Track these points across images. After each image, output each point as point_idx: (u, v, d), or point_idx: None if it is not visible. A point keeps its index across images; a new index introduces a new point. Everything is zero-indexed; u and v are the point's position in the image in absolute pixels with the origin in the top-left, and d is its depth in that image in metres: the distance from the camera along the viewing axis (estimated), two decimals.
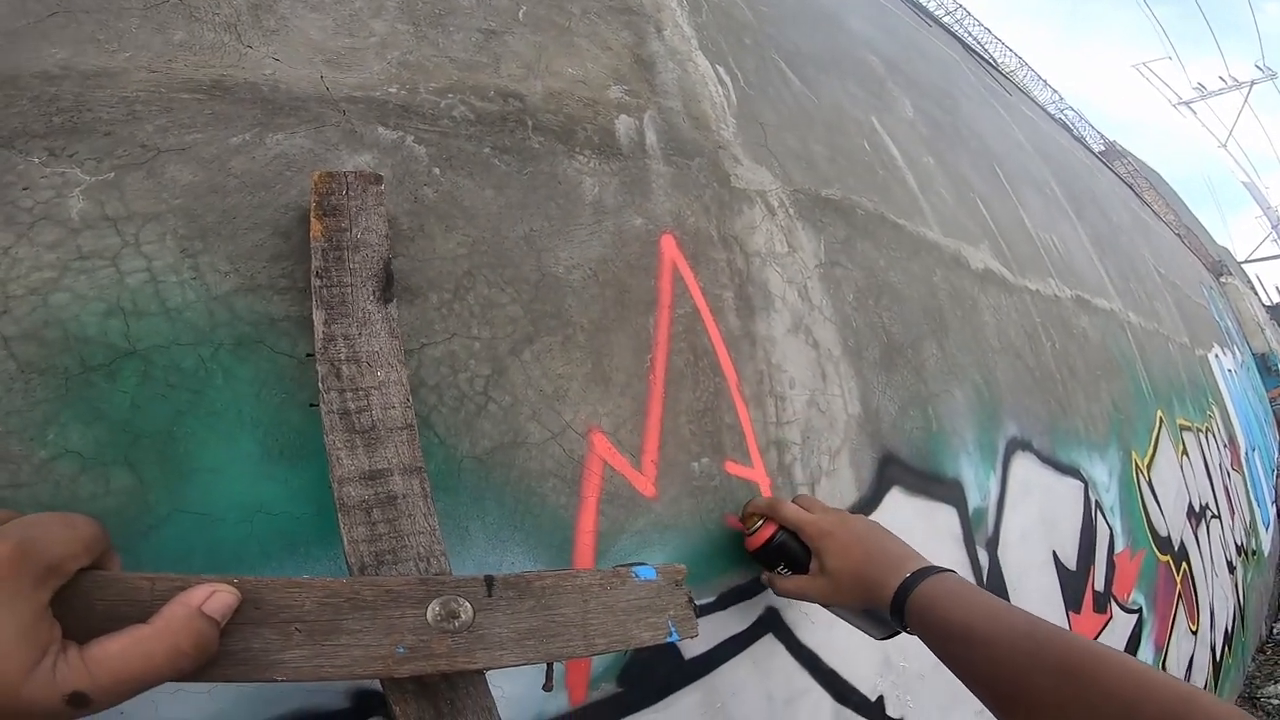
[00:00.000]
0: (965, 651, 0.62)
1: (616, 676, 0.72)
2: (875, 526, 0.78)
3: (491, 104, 0.89)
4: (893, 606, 0.69)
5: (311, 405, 0.54)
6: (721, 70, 1.35)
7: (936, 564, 0.72)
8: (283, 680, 0.39)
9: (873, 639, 0.80)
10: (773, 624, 0.89)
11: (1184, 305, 4.47)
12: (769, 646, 0.89)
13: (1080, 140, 5.24)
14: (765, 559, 0.82)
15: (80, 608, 0.35)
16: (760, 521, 0.81)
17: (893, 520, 1.07)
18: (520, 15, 1.08)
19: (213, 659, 0.37)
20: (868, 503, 1.05)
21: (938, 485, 1.21)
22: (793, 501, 0.81)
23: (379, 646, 0.41)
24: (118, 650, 0.34)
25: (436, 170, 0.77)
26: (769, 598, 0.89)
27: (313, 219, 0.59)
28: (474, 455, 0.66)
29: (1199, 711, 0.46)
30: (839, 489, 1.01)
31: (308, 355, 0.57)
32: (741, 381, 0.92)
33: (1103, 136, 6.52)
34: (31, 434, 0.49)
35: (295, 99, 0.73)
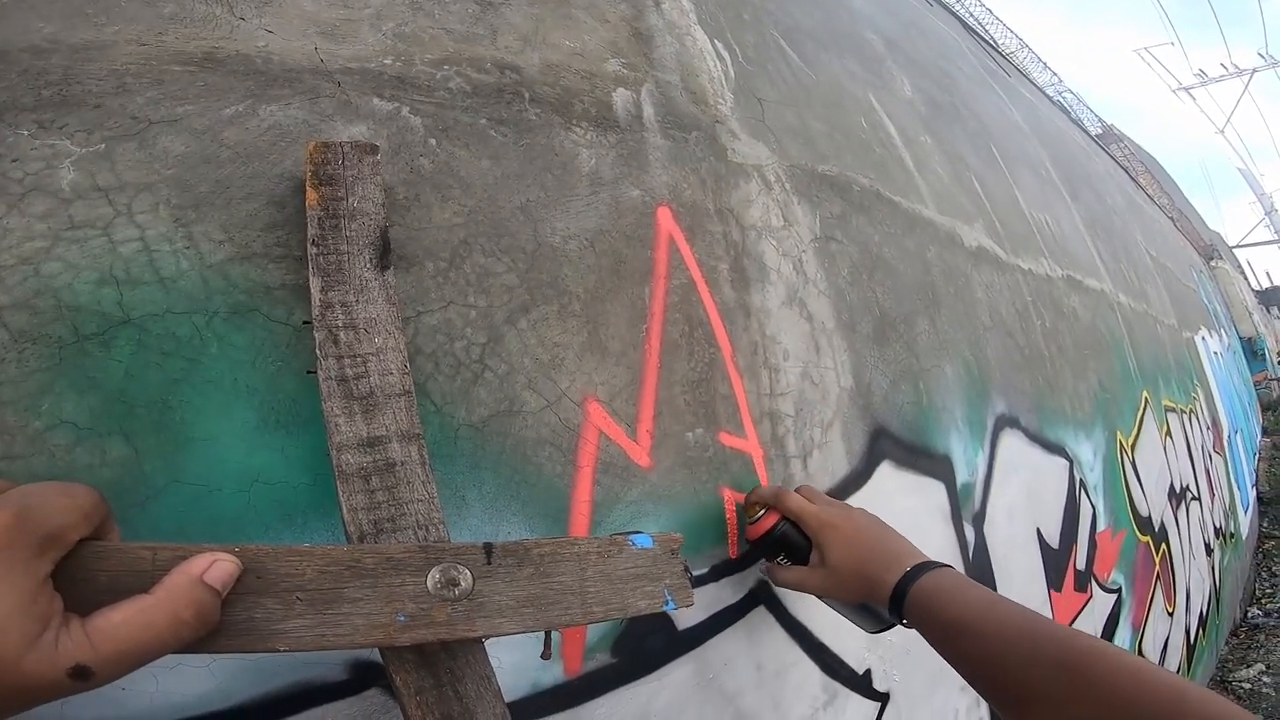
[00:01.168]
0: (963, 646, 0.63)
1: (610, 647, 0.73)
2: (876, 521, 0.79)
3: (488, 76, 0.88)
4: (892, 601, 0.70)
5: (309, 372, 0.54)
6: (720, 45, 1.34)
7: (934, 559, 0.73)
8: (284, 650, 0.39)
9: (865, 632, 0.81)
10: (764, 596, 0.90)
11: (1174, 288, 4.49)
12: (760, 618, 0.90)
13: (1078, 123, 5.22)
14: (765, 549, 0.82)
15: (81, 579, 0.34)
16: (763, 511, 0.81)
17: (881, 493, 1.08)
18: None
19: (214, 629, 0.37)
20: (859, 475, 1.06)
21: (927, 460, 1.22)
22: (795, 492, 0.82)
23: (380, 615, 0.42)
24: (120, 621, 0.33)
25: (433, 141, 0.77)
26: (760, 570, 0.90)
27: (308, 188, 0.58)
28: (470, 423, 0.66)
29: (1193, 706, 0.47)
30: (830, 461, 1.02)
31: (304, 323, 0.56)
32: (736, 353, 0.92)
33: (1100, 120, 6.50)
34: (26, 404, 0.49)
35: (289, 70, 0.72)
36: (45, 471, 0.49)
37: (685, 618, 0.80)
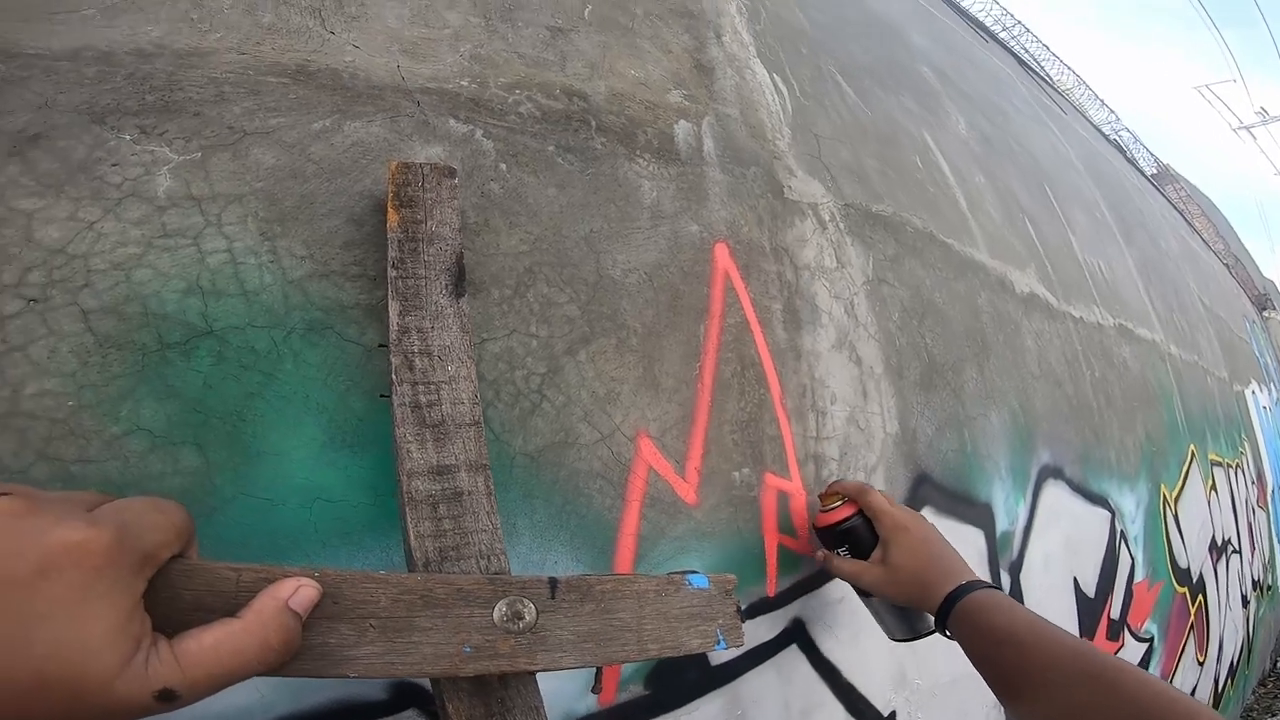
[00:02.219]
0: (1005, 655, 0.67)
1: (645, 679, 0.73)
2: (941, 535, 0.82)
3: (557, 102, 0.89)
4: (941, 608, 0.74)
5: (382, 396, 0.54)
6: (778, 79, 1.35)
7: (987, 580, 0.76)
8: (354, 676, 0.39)
9: (891, 638, 0.84)
10: (797, 635, 0.90)
11: (1225, 338, 4.38)
12: (792, 657, 0.89)
13: (1133, 162, 5.13)
14: (830, 538, 0.84)
15: (166, 597, 0.34)
16: (839, 502, 0.83)
17: None
18: (586, 14, 1.08)
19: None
20: None
21: (968, 507, 1.21)
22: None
23: (447, 645, 0.42)
24: (210, 645, 0.33)
25: (503, 166, 0.78)
26: (796, 609, 0.89)
27: (390, 209, 0.59)
28: (526, 453, 0.66)
29: None
30: None
31: (379, 345, 0.57)
32: (785, 394, 0.92)
33: (1156, 159, 6.38)
34: (105, 409, 0.50)
35: (373, 87, 0.73)
36: (118, 477, 0.49)
37: (720, 653, 0.80)
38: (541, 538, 0.66)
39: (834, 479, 0.95)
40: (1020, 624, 0.67)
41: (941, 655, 1.10)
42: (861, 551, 0.81)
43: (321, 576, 0.39)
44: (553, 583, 0.47)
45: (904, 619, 0.82)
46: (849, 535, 0.82)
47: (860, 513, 0.82)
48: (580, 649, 0.47)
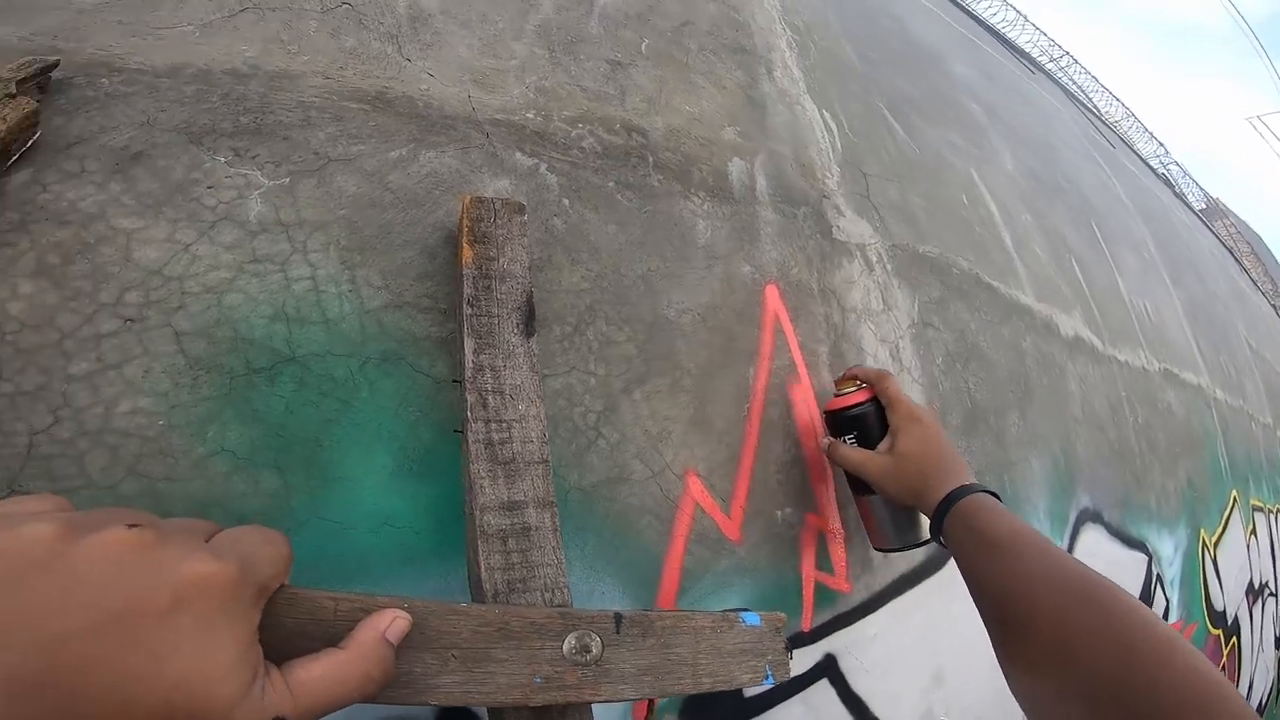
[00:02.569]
0: (991, 560, 0.65)
1: (679, 710, 0.73)
2: (948, 439, 0.80)
3: (617, 137, 0.91)
4: (939, 509, 0.71)
5: (456, 431, 0.56)
6: (827, 115, 1.36)
7: (989, 487, 0.74)
8: (435, 705, 0.40)
9: (879, 548, 0.83)
10: (828, 670, 0.90)
11: (1271, 382, 4.31)
12: (822, 691, 0.89)
13: (1181, 197, 5.07)
14: (839, 424, 0.83)
15: (270, 625, 0.35)
16: (856, 387, 0.82)
17: (954, 579, 1.06)
18: (643, 48, 1.10)
19: None
20: (935, 562, 1.05)
21: None
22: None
23: (520, 675, 0.43)
24: (319, 675, 0.34)
25: (566, 201, 0.79)
26: (828, 644, 0.90)
27: (464, 244, 0.61)
28: (580, 487, 0.67)
29: (1180, 654, 0.50)
30: None
31: (454, 381, 0.59)
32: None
33: (1205, 194, 6.31)
34: (193, 430, 0.52)
35: (446, 117, 0.75)
36: (201, 496, 0.51)
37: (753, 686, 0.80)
38: (591, 569, 0.67)
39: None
40: (1020, 532, 0.65)
41: (970, 693, 1.10)
42: (868, 442, 0.80)
43: (410, 607, 0.40)
44: (618, 618, 0.48)
45: (896, 527, 0.80)
46: (859, 421, 0.81)
47: (874, 401, 0.81)
48: (640, 681, 0.48)
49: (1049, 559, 0.61)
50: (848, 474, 0.84)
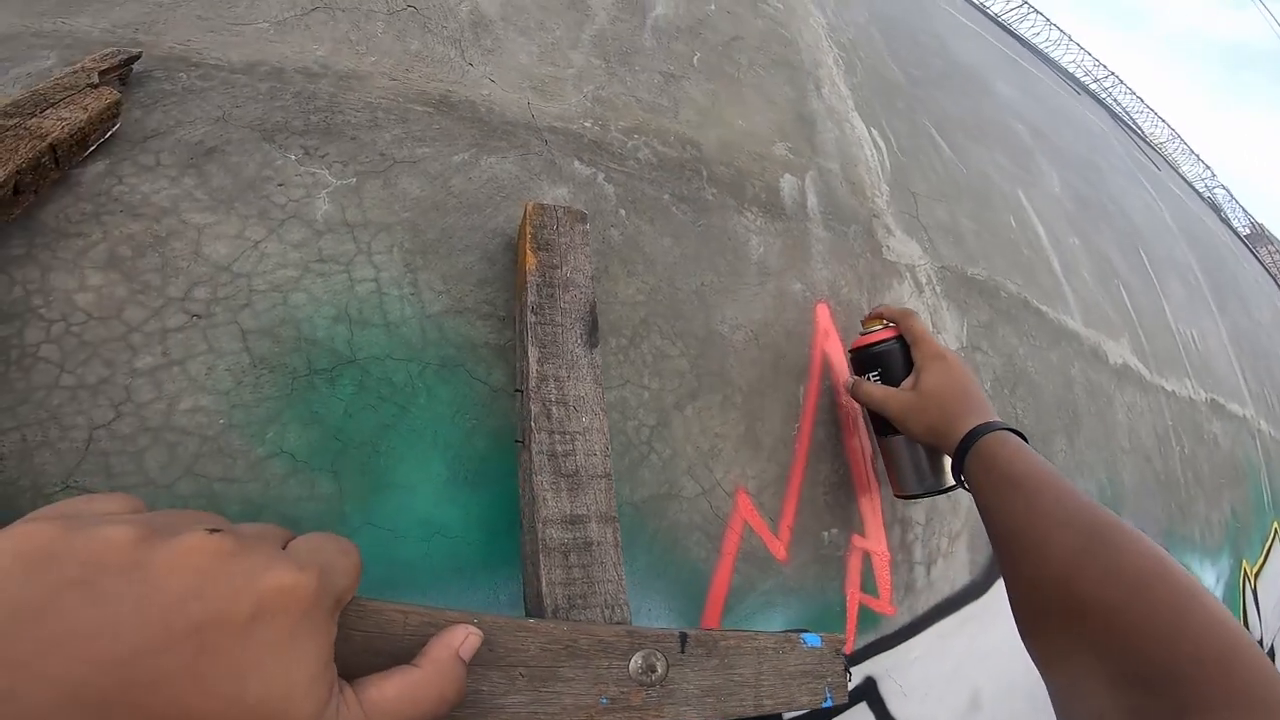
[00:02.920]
0: (1010, 499, 0.61)
1: None
2: (975, 378, 0.77)
3: (672, 149, 0.90)
4: (961, 443, 0.69)
5: (517, 441, 0.55)
6: (875, 133, 1.34)
7: (1012, 425, 0.71)
8: None
9: (901, 493, 0.80)
10: (868, 694, 0.88)
11: None
12: (861, 715, 0.87)
13: (1227, 222, 4.96)
14: (864, 361, 0.81)
15: (340, 638, 0.33)
16: (881, 325, 0.81)
17: (996, 604, 1.04)
18: (695, 61, 1.10)
19: None
20: (978, 587, 1.02)
21: None
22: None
23: (586, 695, 0.41)
24: (394, 694, 0.32)
25: (623, 212, 0.78)
26: (869, 667, 0.87)
27: (528, 251, 0.60)
28: (632, 502, 0.66)
29: (1200, 603, 0.46)
30: (952, 570, 0.98)
31: (516, 390, 0.57)
32: (876, 459, 0.90)
33: (1251, 219, 6.19)
34: (253, 430, 0.51)
35: (507, 123, 0.75)
36: (258, 498, 0.50)
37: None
38: (640, 585, 0.65)
39: (918, 541, 0.93)
40: (1036, 470, 0.61)
41: (1008, 719, 1.07)
42: (891, 378, 0.79)
43: (480, 622, 0.39)
44: (683, 637, 0.47)
45: (918, 472, 0.78)
46: (883, 359, 0.79)
47: (899, 339, 0.80)
48: (703, 703, 0.47)
49: (1064, 497, 0.57)
50: (870, 414, 0.83)
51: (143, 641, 0.25)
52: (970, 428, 0.69)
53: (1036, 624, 0.55)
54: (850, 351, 0.84)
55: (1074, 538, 0.53)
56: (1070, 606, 0.51)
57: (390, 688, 0.32)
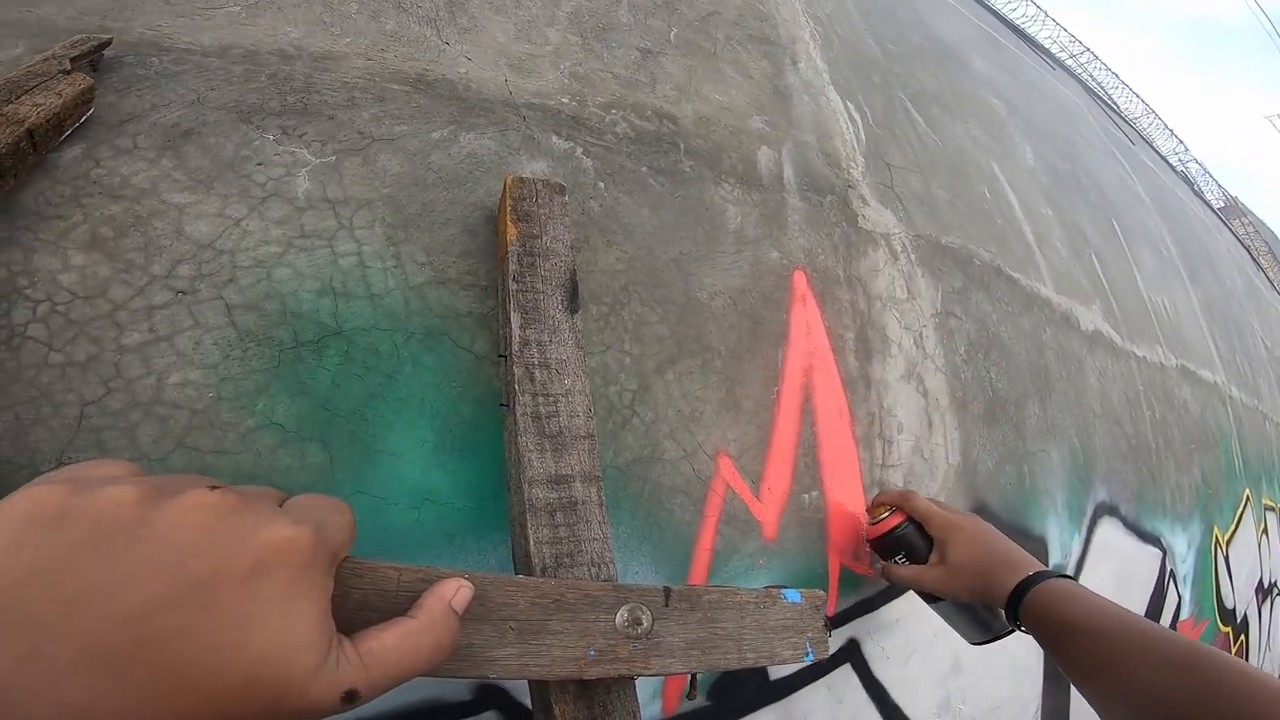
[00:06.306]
0: (1081, 644, 0.65)
1: (707, 690, 0.74)
2: (996, 530, 0.81)
3: (649, 123, 0.91)
4: (1010, 601, 0.72)
5: (501, 405, 0.56)
6: (851, 106, 1.36)
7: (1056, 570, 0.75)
8: (494, 678, 0.40)
9: (971, 643, 0.83)
10: (851, 655, 0.91)
11: None
12: (844, 676, 0.90)
13: (1200, 195, 5.02)
14: (884, 548, 0.84)
15: (337, 596, 0.34)
16: (888, 511, 0.83)
17: None
18: (671, 37, 1.10)
19: None
20: None
21: (1023, 541, 1.20)
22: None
23: (574, 648, 0.43)
24: (391, 645, 0.33)
25: (601, 184, 0.80)
26: (852, 629, 0.90)
27: (508, 222, 0.61)
28: (616, 465, 0.68)
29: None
30: None
31: (500, 356, 0.59)
32: (854, 422, 0.93)
33: (1225, 192, 6.25)
34: (243, 402, 0.52)
35: (485, 100, 0.76)
36: (249, 469, 0.52)
37: (778, 668, 0.81)
38: (625, 548, 0.67)
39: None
40: (1094, 612, 0.66)
41: (987, 683, 1.10)
42: (917, 557, 0.81)
43: (471, 578, 0.40)
44: (667, 591, 0.49)
45: (977, 621, 0.81)
46: (902, 542, 0.82)
47: (909, 519, 0.82)
48: (688, 655, 0.49)
49: (1131, 629, 0.62)
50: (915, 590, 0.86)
51: (152, 598, 0.25)
52: (1014, 585, 0.72)
53: None
54: (869, 542, 0.86)
55: (1154, 672, 0.58)
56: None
57: (388, 638, 0.33)
